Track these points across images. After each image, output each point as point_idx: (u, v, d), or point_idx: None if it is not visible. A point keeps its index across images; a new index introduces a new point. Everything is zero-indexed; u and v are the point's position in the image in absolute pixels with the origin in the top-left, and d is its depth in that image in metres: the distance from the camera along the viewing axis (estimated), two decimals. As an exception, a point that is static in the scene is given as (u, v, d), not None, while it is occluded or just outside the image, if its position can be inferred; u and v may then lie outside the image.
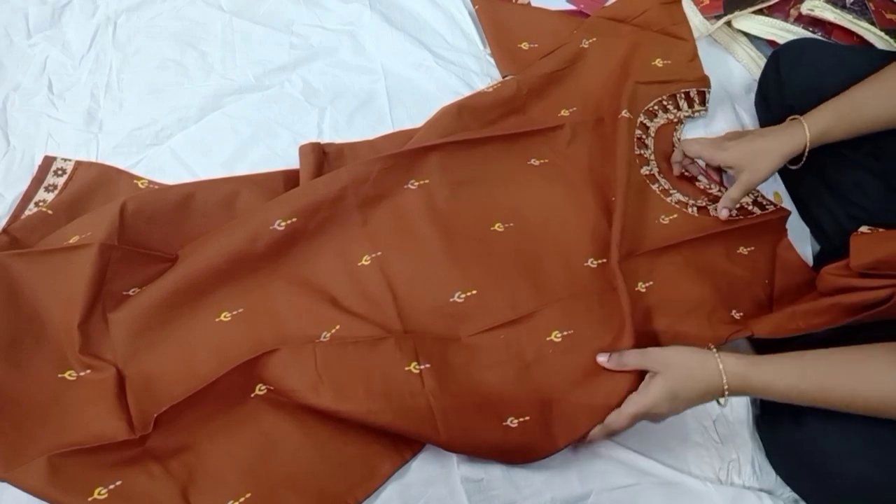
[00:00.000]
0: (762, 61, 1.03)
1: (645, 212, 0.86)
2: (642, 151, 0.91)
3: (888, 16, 1.01)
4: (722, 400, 0.68)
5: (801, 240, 0.93)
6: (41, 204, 0.81)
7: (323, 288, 0.76)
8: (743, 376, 0.67)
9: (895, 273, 0.72)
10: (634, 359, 0.71)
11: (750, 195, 0.89)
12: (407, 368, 0.68)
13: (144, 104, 0.94)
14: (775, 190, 0.94)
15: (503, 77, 1.00)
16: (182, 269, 0.74)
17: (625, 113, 0.90)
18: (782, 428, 0.73)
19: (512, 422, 0.69)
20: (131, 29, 1.02)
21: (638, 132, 0.92)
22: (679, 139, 0.95)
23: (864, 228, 0.79)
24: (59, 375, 0.68)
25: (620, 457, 0.74)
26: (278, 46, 1.02)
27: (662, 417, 0.70)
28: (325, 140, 0.92)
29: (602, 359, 0.73)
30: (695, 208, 0.88)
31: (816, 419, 0.68)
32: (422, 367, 0.69)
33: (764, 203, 0.89)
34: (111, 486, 0.61)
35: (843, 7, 1.01)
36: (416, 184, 0.83)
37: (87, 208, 0.81)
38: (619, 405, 0.69)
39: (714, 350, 0.69)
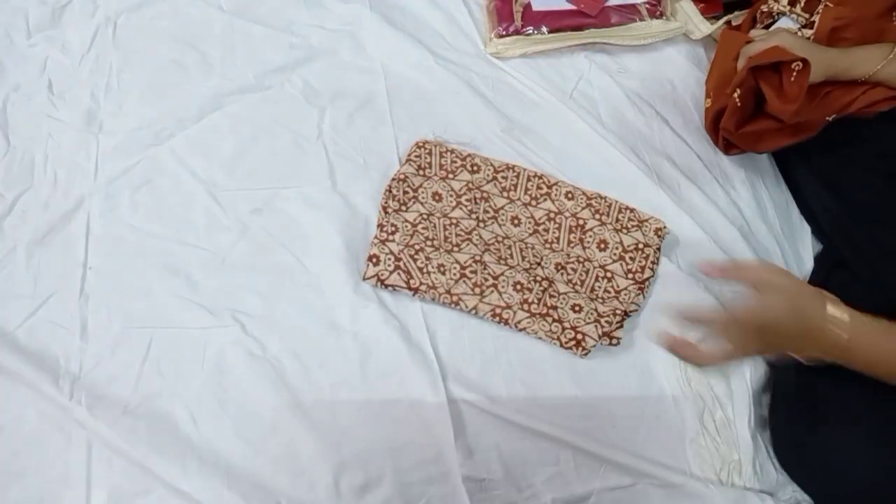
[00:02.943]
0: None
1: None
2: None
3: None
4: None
5: (801, 239, 0.94)
6: None
7: None
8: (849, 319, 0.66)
9: None
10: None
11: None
12: None
13: (144, 104, 0.94)
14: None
15: None
16: None
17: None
18: (799, 428, 0.72)
19: None
20: (131, 29, 1.01)
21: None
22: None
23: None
24: None
25: (621, 457, 0.74)
26: (278, 46, 1.01)
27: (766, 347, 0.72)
28: (325, 140, 0.92)
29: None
30: None
31: (837, 421, 0.67)
32: None
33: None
34: None
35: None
36: None
37: None
38: None
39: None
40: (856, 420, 0.65)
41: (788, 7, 0.96)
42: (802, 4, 0.94)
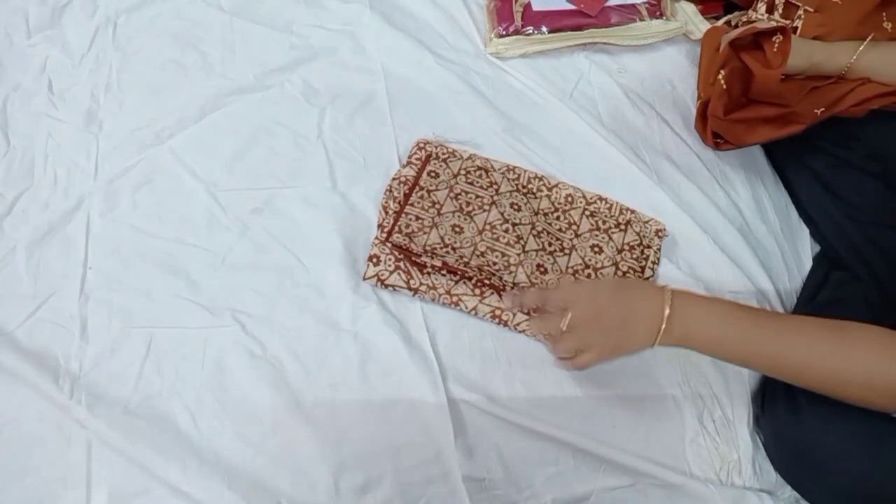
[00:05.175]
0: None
1: None
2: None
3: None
4: (661, 329, 0.66)
5: (800, 240, 0.94)
6: None
7: None
8: (689, 297, 0.67)
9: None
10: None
11: None
12: None
13: (144, 104, 0.94)
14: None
15: None
16: None
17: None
18: (781, 425, 0.73)
19: None
20: (131, 29, 1.02)
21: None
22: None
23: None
24: None
25: (621, 457, 0.74)
26: (278, 46, 1.02)
27: (591, 341, 0.69)
28: (325, 140, 0.92)
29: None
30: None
31: (815, 416, 0.68)
32: None
33: None
34: None
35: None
36: None
37: None
38: None
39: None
40: (842, 415, 0.66)
41: (767, 15, 0.97)
42: (780, 11, 0.95)
